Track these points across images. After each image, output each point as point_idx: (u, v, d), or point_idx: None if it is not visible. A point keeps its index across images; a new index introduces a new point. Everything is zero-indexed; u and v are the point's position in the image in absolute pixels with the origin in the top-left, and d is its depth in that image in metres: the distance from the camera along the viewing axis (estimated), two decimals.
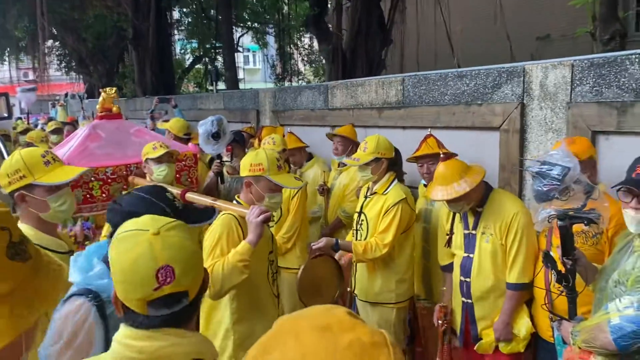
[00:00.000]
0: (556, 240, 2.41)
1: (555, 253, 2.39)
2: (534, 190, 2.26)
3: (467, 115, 3.70)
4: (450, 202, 2.91)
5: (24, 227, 2.08)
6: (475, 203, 2.95)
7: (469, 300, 3.02)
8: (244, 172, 2.68)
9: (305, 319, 0.80)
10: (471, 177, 2.86)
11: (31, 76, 22.26)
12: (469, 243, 3.02)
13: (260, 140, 5.08)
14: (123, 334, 1.18)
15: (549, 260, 2.24)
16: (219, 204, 2.64)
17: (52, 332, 1.49)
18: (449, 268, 3.23)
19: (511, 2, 9.37)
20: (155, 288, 1.13)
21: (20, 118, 12.74)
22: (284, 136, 4.75)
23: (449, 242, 3.17)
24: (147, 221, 1.22)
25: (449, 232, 3.16)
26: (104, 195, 3.75)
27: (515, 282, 2.87)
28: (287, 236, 4.05)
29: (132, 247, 1.15)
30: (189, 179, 4.17)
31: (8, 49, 18.00)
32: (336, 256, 3.42)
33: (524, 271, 2.85)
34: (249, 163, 2.66)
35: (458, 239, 3.10)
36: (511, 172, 3.41)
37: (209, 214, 1.99)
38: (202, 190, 4.29)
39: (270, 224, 4.05)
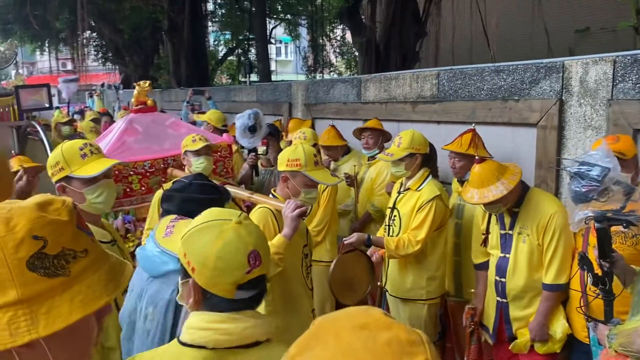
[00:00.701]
0: (593, 240, 2.37)
1: (592, 254, 2.35)
2: (572, 191, 2.21)
3: (503, 110, 3.65)
4: (486, 204, 2.88)
5: None
6: (511, 204, 2.91)
7: (504, 300, 3.00)
8: (281, 167, 2.71)
9: (343, 319, 0.82)
10: (508, 179, 2.81)
11: (69, 66, 22.80)
12: (506, 243, 2.98)
13: (287, 133, 5.11)
14: (205, 319, 1.23)
15: (585, 262, 2.20)
16: (256, 197, 2.68)
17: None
18: (482, 266, 3.20)
19: None
20: (247, 271, 1.21)
21: (58, 107, 13.08)
22: (312, 127, 4.73)
23: (485, 242, 3.13)
24: (222, 213, 1.31)
25: (485, 232, 3.13)
26: (143, 188, 3.84)
27: (552, 283, 2.83)
28: (317, 229, 4.06)
29: (220, 235, 1.22)
30: (224, 169, 4.23)
31: (48, 40, 18.44)
32: (368, 252, 3.43)
33: (561, 272, 2.81)
34: (287, 158, 2.68)
35: (494, 239, 3.07)
36: (548, 169, 3.35)
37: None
38: (237, 182, 4.35)
39: None
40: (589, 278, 2.23)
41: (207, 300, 1.25)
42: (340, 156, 4.71)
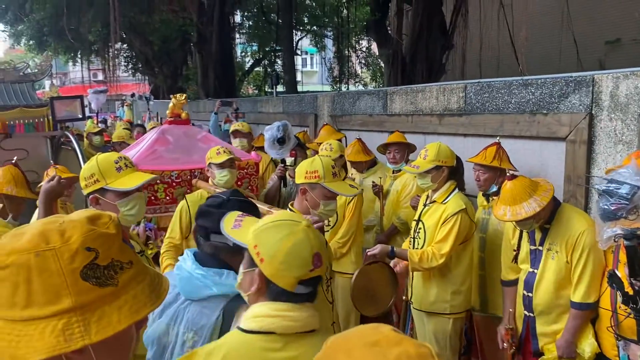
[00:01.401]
0: (624, 257, 2.33)
1: (622, 271, 2.31)
2: (600, 209, 2.18)
3: (531, 124, 3.62)
4: (519, 221, 2.85)
5: None
6: (543, 220, 2.88)
7: (531, 314, 2.96)
8: (299, 179, 2.70)
9: (354, 337, 0.87)
10: (540, 196, 2.78)
11: (100, 77, 23.34)
12: (536, 258, 2.95)
13: (316, 136, 5.13)
14: (273, 307, 1.35)
15: (615, 280, 2.16)
16: (274, 212, 2.70)
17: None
18: (511, 283, 3.16)
19: (578, 4, 9.04)
20: (310, 270, 1.34)
21: (90, 117, 13.38)
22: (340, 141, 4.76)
23: (516, 258, 3.10)
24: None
25: (516, 249, 3.10)
26: (167, 197, 3.89)
27: (581, 302, 2.78)
28: (342, 241, 4.06)
29: (292, 233, 1.36)
30: (249, 187, 4.26)
31: (80, 51, 18.92)
32: (391, 263, 3.42)
33: (590, 291, 2.76)
34: (305, 170, 2.68)
35: (524, 253, 3.04)
36: (577, 184, 3.31)
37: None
38: (265, 193, 4.38)
39: (326, 228, 4.09)
40: (619, 297, 2.19)
41: (269, 290, 1.36)
42: (366, 169, 4.72)
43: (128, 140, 5.96)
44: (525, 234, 3.02)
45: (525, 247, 3.02)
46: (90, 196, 2.24)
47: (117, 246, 0.95)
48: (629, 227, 2.09)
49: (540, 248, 2.92)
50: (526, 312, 3.00)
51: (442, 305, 3.42)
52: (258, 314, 1.36)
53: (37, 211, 3.56)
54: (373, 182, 4.51)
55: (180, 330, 1.72)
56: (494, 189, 3.37)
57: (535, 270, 2.93)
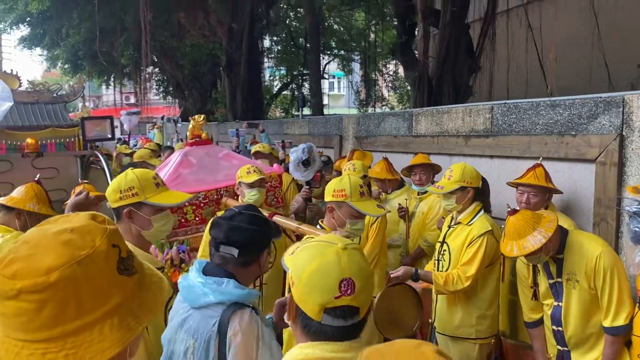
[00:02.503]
0: None
1: None
2: (631, 231, 2.09)
3: (560, 145, 3.54)
4: (527, 256, 2.76)
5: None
6: (553, 252, 2.78)
7: (566, 348, 2.85)
8: (327, 197, 2.72)
9: (392, 354, 0.80)
10: (545, 227, 2.70)
11: (132, 100, 23.93)
12: (557, 292, 2.85)
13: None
14: (328, 349, 1.23)
15: None
16: (304, 228, 2.69)
17: (235, 349, 1.64)
18: (536, 324, 3.05)
19: (609, 26, 8.91)
20: (336, 296, 1.21)
21: (120, 139, 13.69)
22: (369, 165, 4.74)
23: (535, 295, 3.00)
24: (333, 237, 1.37)
25: (533, 285, 3.00)
26: (197, 218, 3.93)
27: (611, 326, 2.67)
28: None
29: (321, 254, 1.25)
30: (274, 199, 4.29)
31: (113, 74, 19.49)
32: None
33: (620, 313, 2.65)
34: (333, 189, 2.69)
35: (544, 289, 2.93)
36: (608, 207, 3.21)
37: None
38: (290, 214, 4.38)
39: None
40: None
41: (299, 318, 1.27)
42: (390, 189, 4.69)
43: (149, 160, 6.07)
44: (540, 269, 2.93)
45: (544, 282, 2.91)
46: (126, 209, 2.20)
47: (122, 237, 1.00)
48: None
49: (560, 280, 2.82)
50: (559, 347, 2.89)
51: (467, 329, 3.33)
52: (313, 356, 1.23)
53: None
54: (399, 204, 4.47)
55: (184, 336, 1.76)
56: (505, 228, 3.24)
57: (560, 303, 2.83)
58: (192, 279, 1.79)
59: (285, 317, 1.34)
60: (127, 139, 10.90)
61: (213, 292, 1.71)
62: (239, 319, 1.67)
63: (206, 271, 1.81)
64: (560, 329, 2.85)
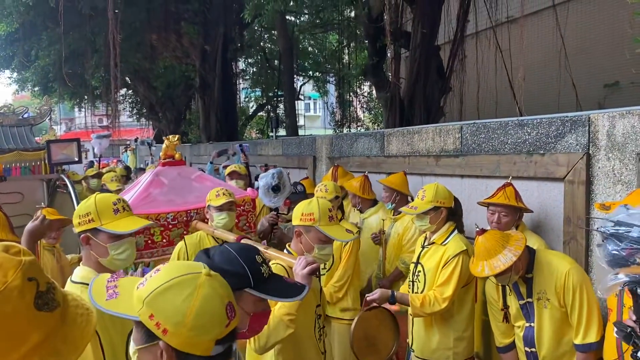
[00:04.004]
0: (629, 300, 2.22)
1: (627, 315, 2.19)
2: (609, 254, 2.03)
3: (529, 165, 3.57)
4: (498, 275, 2.74)
5: (85, 270, 2.14)
6: (522, 271, 2.78)
7: None
8: (295, 221, 2.65)
9: None
10: (514, 246, 2.71)
11: (105, 122, 23.64)
12: (528, 312, 2.85)
13: (336, 180, 5.06)
14: None
15: (623, 330, 2.02)
16: (270, 252, 2.62)
17: None
18: (507, 349, 3.04)
19: (576, 48, 9.13)
20: (226, 325, 1.16)
21: (92, 162, 13.45)
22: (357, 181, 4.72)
23: (506, 318, 2.99)
24: (186, 266, 1.22)
25: (503, 307, 2.99)
26: (164, 240, 3.82)
27: (582, 343, 2.67)
28: (338, 285, 3.96)
29: (196, 290, 1.15)
30: (247, 224, 4.20)
31: (85, 97, 19.22)
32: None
33: (590, 329, 2.66)
34: (301, 212, 2.62)
35: (514, 310, 2.93)
36: (577, 225, 3.23)
37: (297, 290, 1.85)
38: (254, 237, 4.31)
39: (322, 272, 3.99)
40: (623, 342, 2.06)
41: None
42: (366, 207, 4.67)
43: (108, 183, 5.98)
44: (510, 290, 2.92)
45: (515, 303, 2.91)
46: (82, 235, 2.16)
47: (42, 269, 0.92)
48: (636, 273, 1.96)
49: (530, 300, 2.82)
50: None
51: (444, 352, 3.28)
52: None
53: None
54: (373, 234, 4.46)
55: None
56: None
57: (532, 324, 2.83)
58: None
59: None
60: (98, 163, 10.72)
61: None
62: None
63: None
64: (533, 350, 2.83)
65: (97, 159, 11.41)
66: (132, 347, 1.22)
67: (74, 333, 0.90)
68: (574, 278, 2.68)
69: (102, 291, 1.25)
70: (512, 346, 3.01)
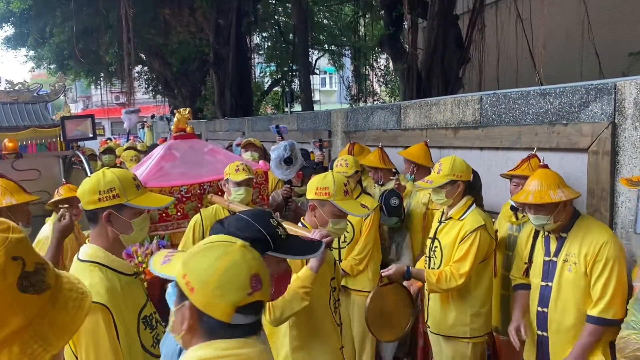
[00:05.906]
0: None
1: None
2: None
3: (551, 135, 3.45)
4: (538, 209, 2.69)
5: (94, 248, 2.03)
6: (560, 225, 2.72)
7: (544, 334, 2.77)
8: (309, 195, 2.61)
9: None
10: (568, 190, 2.69)
11: (122, 99, 23.70)
12: (548, 271, 2.78)
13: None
14: (221, 347, 1.17)
15: None
16: (285, 226, 2.58)
17: None
18: (523, 287, 3.01)
19: (600, 14, 8.84)
20: (249, 293, 1.19)
21: (109, 139, 13.51)
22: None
23: (526, 272, 2.95)
24: (226, 237, 1.32)
25: (527, 261, 2.93)
26: (178, 213, 3.83)
27: (598, 316, 2.58)
28: (359, 258, 3.95)
29: (226, 254, 1.21)
30: (260, 197, 4.19)
31: (102, 74, 19.23)
32: (405, 284, 3.27)
33: (611, 306, 2.57)
34: (316, 186, 2.58)
35: (537, 265, 2.86)
36: (601, 197, 3.11)
37: (315, 247, 1.91)
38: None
39: (342, 245, 3.97)
40: None
41: (202, 325, 1.19)
42: (380, 180, 4.58)
43: (127, 163, 6.01)
44: (539, 244, 2.85)
45: (540, 257, 2.85)
46: (105, 211, 2.02)
47: (30, 247, 0.86)
48: None
49: (555, 259, 2.75)
50: (539, 332, 2.81)
51: (461, 328, 3.24)
52: (204, 357, 1.17)
53: (47, 223, 3.57)
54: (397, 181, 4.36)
55: (164, 351, 1.60)
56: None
57: (550, 284, 2.76)
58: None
59: (174, 328, 1.24)
60: (127, 137, 10.77)
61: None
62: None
63: None
64: (545, 310, 2.77)
65: (127, 133, 11.42)
66: (172, 311, 1.27)
67: (64, 318, 0.84)
68: (611, 250, 2.59)
69: (160, 259, 1.35)
70: (529, 286, 2.97)
